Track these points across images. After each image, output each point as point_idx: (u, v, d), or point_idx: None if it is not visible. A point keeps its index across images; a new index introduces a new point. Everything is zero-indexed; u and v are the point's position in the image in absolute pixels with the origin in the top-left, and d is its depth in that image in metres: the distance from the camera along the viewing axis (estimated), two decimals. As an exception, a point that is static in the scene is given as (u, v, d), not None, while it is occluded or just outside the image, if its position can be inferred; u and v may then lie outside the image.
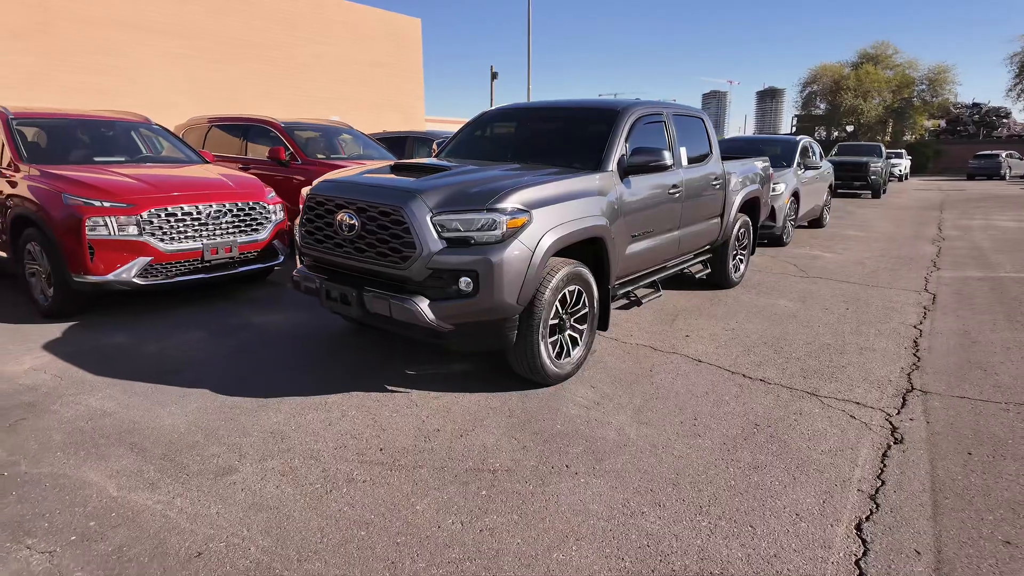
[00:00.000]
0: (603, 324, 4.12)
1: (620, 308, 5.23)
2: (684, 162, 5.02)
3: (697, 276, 5.76)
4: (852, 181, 19.01)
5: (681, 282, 6.41)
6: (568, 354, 3.79)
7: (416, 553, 2.22)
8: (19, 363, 3.95)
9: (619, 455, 2.95)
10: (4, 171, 5.21)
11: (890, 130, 51.22)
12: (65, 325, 4.75)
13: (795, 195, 9.34)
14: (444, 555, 2.22)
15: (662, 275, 5.02)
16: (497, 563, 2.19)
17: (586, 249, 3.91)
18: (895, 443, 3.13)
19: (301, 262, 3.95)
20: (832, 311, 5.62)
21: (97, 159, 5.82)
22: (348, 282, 3.51)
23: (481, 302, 3.23)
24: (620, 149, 4.20)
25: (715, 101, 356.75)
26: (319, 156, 8.21)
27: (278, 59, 17.88)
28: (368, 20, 20.65)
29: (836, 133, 50.85)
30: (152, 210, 4.77)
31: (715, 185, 5.50)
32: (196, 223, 5.02)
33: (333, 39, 19.40)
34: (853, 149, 22.05)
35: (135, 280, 4.75)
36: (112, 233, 4.64)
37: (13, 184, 5.08)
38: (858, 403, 3.62)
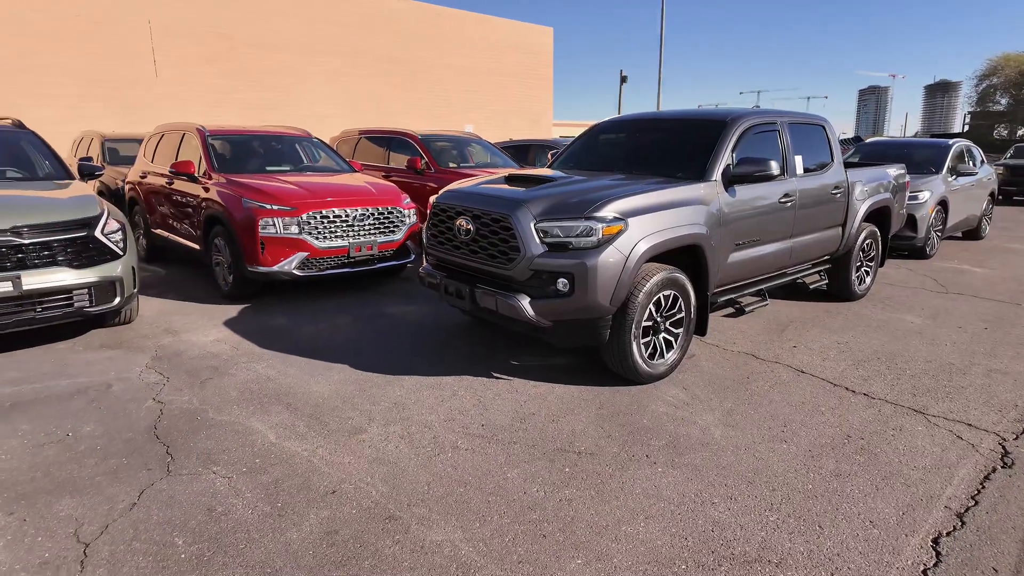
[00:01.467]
0: (701, 329, 4.26)
1: (728, 315, 5.28)
2: (799, 170, 4.97)
3: (811, 287, 5.61)
4: (1031, 188, 16.74)
5: (799, 292, 6.26)
6: (662, 355, 4.00)
7: (503, 510, 2.61)
8: (207, 335, 4.90)
9: (700, 451, 3.14)
10: (201, 179, 6.37)
11: (1096, 127, 43.92)
12: (240, 307, 5.75)
13: (942, 204, 8.58)
14: (527, 515, 2.58)
15: (772, 284, 5.01)
16: (571, 527, 2.51)
17: (685, 256, 4.09)
18: (1003, 467, 3.01)
19: (427, 261, 4.52)
20: (966, 330, 5.24)
21: (268, 168, 6.90)
22: (463, 279, 4.00)
23: (576, 301, 3.55)
24: (725, 159, 4.31)
25: (874, 98, 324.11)
26: (451, 165, 8.97)
27: (420, 73, 19.33)
28: (503, 32, 21.63)
29: (1021, 131, 44.44)
30: (310, 212, 5.64)
31: (835, 194, 5.36)
32: (344, 224, 5.83)
33: (470, 52, 20.58)
34: (1036, 150, 19.29)
35: (295, 271, 5.63)
36: (279, 231, 5.56)
37: (207, 190, 6.21)
38: (970, 424, 3.47)
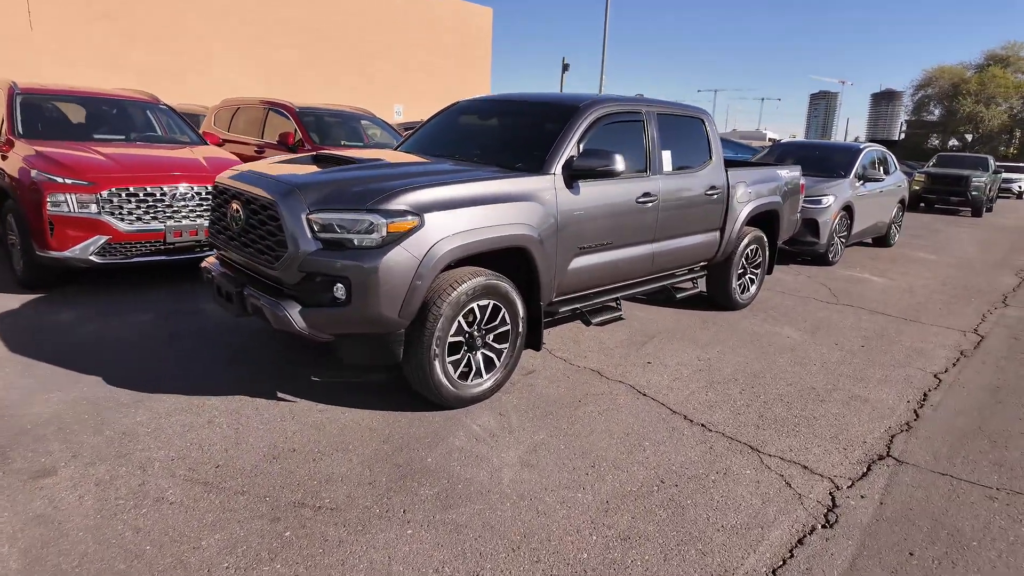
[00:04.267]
0: (535, 344, 3.69)
1: (600, 323, 4.62)
2: (666, 168, 4.45)
3: (679, 296, 5.15)
4: (949, 196, 17.11)
5: (684, 300, 5.76)
6: (479, 375, 3.40)
7: (156, 601, 1.95)
8: (-45, 333, 4.03)
9: (473, 503, 2.55)
10: (3, 147, 5.39)
11: (1016, 141, 46.16)
12: (31, 297, 4.85)
13: (847, 209, 8.33)
14: (189, 607, 1.93)
15: (631, 292, 4.49)
16: (240, 627, 1.87)
17: (512, 260, 3.50)
18: (822, 526, 2.54)
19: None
20: (842, 347, 4.87)
21: (97, 136, 5.96)
22: (235, 280, 3.29)
23: (355, 312, 2.91)
24: (569, 150, 3.73)
25: (824, 103, 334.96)
26: (343, 143, 8.16)
27: (346, 48, 18.22)
28: (438, 10, 20.68)
29: (952, 142, 46.39)
30: (112, 189, 4.78)
31: (711, 195, 4.87)
32: (160, 204, 5.00)
33: (402, 29, 19.57)
34: (955, 160, 19.80)
35: (92, 258, 4.78)
36: (72, 210, 4.68)
37: (4, 158, 5.25)
38: (805, 467, 3.01)
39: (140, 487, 2.52)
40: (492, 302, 3.34)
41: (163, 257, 5.07)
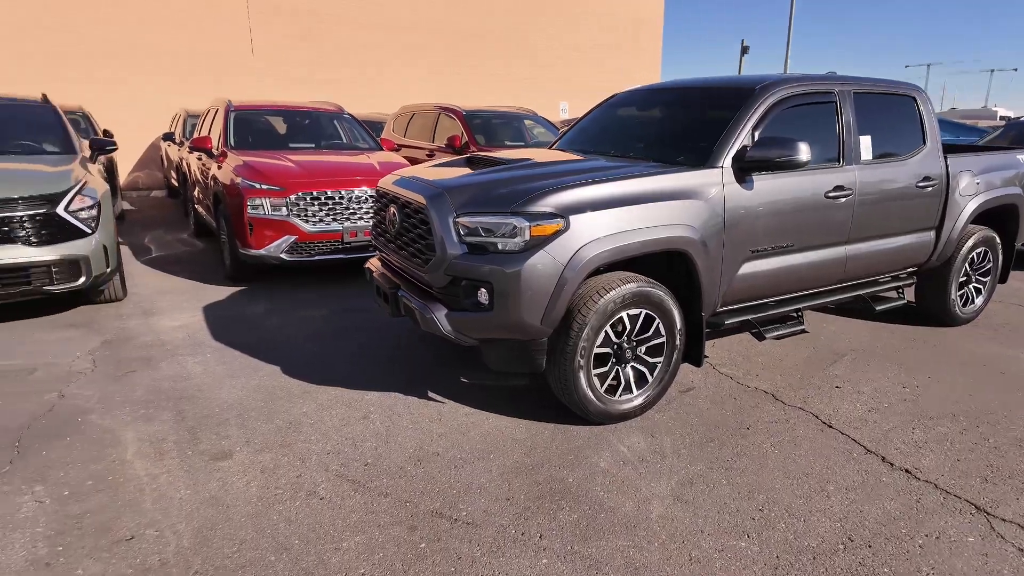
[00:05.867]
0: (695, 359, 3.32)
1: (776, 338, 4.05)
2: (865, 156, 3.76)
3: (879, 309, 4.33)
4: None
5: (887, 313, 4.85)
6: (629, 390, 3.13)
7: (296, 600, 2.00)
8: (174, 320, 4.69)
9: (616, 537, 2.31)
10: (217, 156, 6.22)
11: None
12: (233, 290, 5.52)
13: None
14: (323, 611, 1.95)
15: (817, 303, 3.87)
16: (367, 641, 1.84)
17: (671, 265, 3.18)
18: (1088, 634, 1.90)
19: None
20: (1113, 382, 3.76)
21: (292, 145, 6.65)
22: (391, 282, 3.37)
23: (497, 318, 2.80)
24: (741, 139, 3.28)
25: None
26: (506, 143, 8.29)
27: (510, 47, 18.60)
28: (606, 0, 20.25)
29: None
30: (299, 193, 5.25)
31: (924, 188, 4.04)
32: (339, 207, 5.39)
33: (566, 23, 19.49)
34: None
35: (283, 256, 5.30)
36: (266, 212, 5.23)
37: (219, 167, 6.04)
38: (1058, 544, 2.30)
39: (297, 479, 2.65)
40: (644, 311, 3.04)
41: (340, 256, 5.47)
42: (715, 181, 3.17)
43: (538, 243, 2.73)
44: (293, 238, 5.27)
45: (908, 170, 3.97)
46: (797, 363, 3.99)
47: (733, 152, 3.25)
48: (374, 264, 3.79)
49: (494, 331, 2.89)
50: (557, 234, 2.75)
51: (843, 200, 3.63)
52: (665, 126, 3.88)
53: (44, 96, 5.85)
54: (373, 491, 2.57)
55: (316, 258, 5.42)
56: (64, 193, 4.36)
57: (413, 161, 7.71)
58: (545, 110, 14.64)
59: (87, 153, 5.48)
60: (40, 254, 4.21)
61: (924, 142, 4.10)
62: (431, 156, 8.24)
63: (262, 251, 5.27)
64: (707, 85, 3.79)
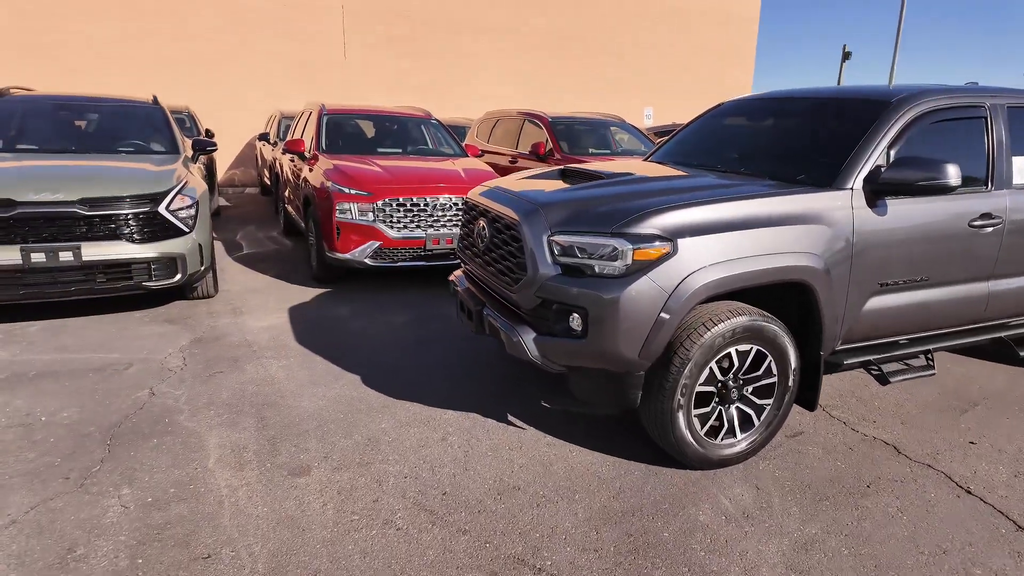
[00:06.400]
0: (808, 402, 2.97)
1: (902, 380, 3.63)
2: (1017, 180, 3.27)
3: (1023, 354, 3.76)
4: None
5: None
6: (732, 434, 2.83)
7: (369, 648, 1.86)
8: (263, 320, 4.77)
9: (721, 609, 2.04)
10: (309, 159, 6.34)
11: None
12: (319, 291, 5.59)
13: None
14: (398, 664, 1.80)
15: (949, 344, 3.40)
16: None
17: (786, 296, 2.85)
18: None
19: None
20: None
21: (381, 150, 6.69)
22: (477, 297, 3.22)
23: (590, 347, 2.58)
24: (874, 158, 2.91)
25: None
26: (591, 151, 8.06)
27: (597, 50, 18.27)
28: (700, 2, 19.54)
29: None
30: (386, 199, 5.23)
31: (1089, 216, 3.48)
32: (423, 214, 5.34)
33: (655, 25, 18.93)
34: None
35: (367, 261, 5.30)
36: (353, 217, 5.25)
37: (311, 169, 6.15)
38: None
39: (374, 504, 2.54)
40: (755, 347, 2.74)
41: (422, 263, 5.42)
42: (843, 205, 2.82)
43: (641, 268, 2.50)
44: (378, 243, 5.26)
45: (1070, 196, 3.43)
46: (921, 410, 3.54)
47: (865, 172, 2.88)
48: (458, 276, 3.67)
49: (586, 360, 2.67)
50: (663, 259, 2.50)
51: (990, 230, 3.16)
52: (782, 140, 3.53)
53: (154, 97, 6.14)
54: (451, 526, 2.42)
55: (399, 264, 5.39)
56: (166, 192, 4.52)
57: (495, 167, 7.64)
58: (629, 114, 14.23)
59: (189, 153, 5.69)
60: (142, 251, 4.37)
61: (1089, 164, 3.54)
62: (514, 163, 8.12)
63: (348, 255, 5.29)
64: (833, 96, 3.40)
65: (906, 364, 3.35)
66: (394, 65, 15.76)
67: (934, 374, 3.30)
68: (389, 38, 15.76)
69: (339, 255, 5.34)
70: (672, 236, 2.52)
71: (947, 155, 2.85)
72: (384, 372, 3.83)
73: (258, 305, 5.13)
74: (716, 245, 2.56)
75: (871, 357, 3.16)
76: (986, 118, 3.23)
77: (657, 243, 2.50)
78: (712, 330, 2.59)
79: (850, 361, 3.11)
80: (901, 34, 19.68)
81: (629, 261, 2.50)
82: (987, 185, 3.19)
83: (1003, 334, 3.60)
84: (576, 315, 2.60)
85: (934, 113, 3.08)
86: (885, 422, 3.38)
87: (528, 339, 2.74)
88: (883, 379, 3.18)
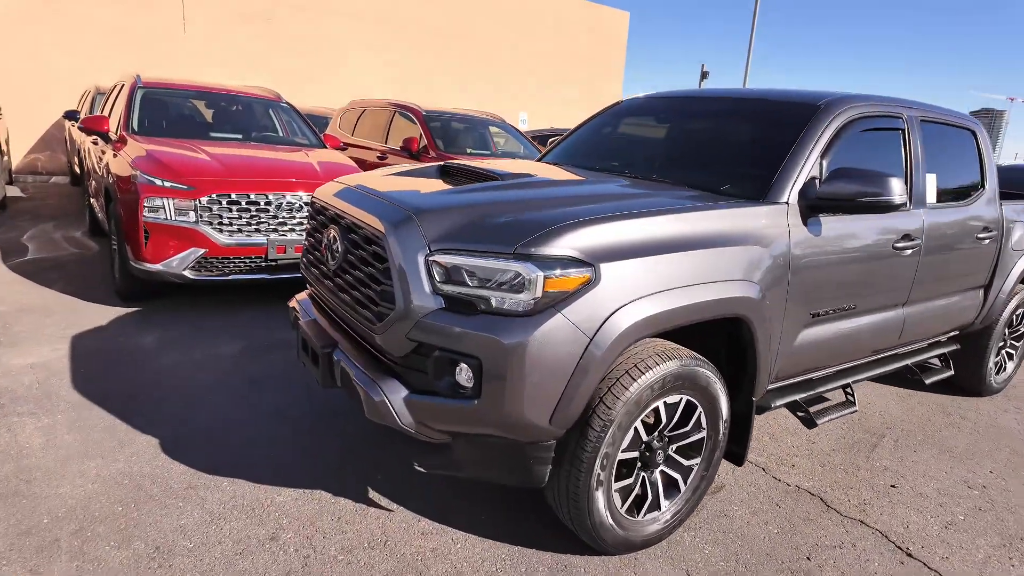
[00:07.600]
0: (736, 457, 2.48)
1: (829, 421, 3.32)
2: (930, 198, 3.06)
3: (929, 382, 3.64)
4: None
5: (898, 376, 4.25)
6: (657, 505, 2.25)
7: None
8: (28, 354, 3.49)
9: None
10: (114, 141, 5.00)
11: None
12: (123, 311, 4.33)
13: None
14: None
15: (864, 376, 3.11)
16: None
17: (713, 333, 2.33)
18: None
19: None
20: None
21: (213, 135, 5.48)
22: (325, 335, 2.37)
23: (484, 410, 1.86)
24: (809, 168, 2.49)
25: (986, 122, 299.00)
26: (468, 151, 7.37)
27: (476, 50, 17.74)
28: (573, 12, 19.73)
29: None
30: (212, 195, 4.14)
31: (983, 239, 3.39)
32: (264, 214, 4.31)
33: (534, 32, 18.81)
34: None
35: (186, 273, 4.16)
36: (168, 217, 4.09)
37: (115, 155, 4.83)
38: None
39: (147, 673, 1.61)
40: (686, 398, 2.18)
41: (264, 275, 4.38)
42: (778, 222, 2.35)
43: (554, 302, 1.82)
44: (202, 251, 4.14)
45: (969, 217, 3.31)
46: (833, 446, 3.23)
47: (800, 185, 2.44)
48: (300, 301, 2.77)
49: (479, 427, 1.94)
50: (582, 289, 1.84)
51: (909, 252, 2.89)
52: (698, 145, 3.05)
53: None
54: None
55: (232, 277, 4.30)
56: None
57: (361, 164, 6.69)
58: (503, 118, 13.80)
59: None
60: None
61: (983, 185, 3.46)
62: (383, 159, 7.22)
63: (160, 266, 4.11)
64: (755, 97, 2.98)
65: (826, 400, 3.01)
66: (246, 46, 14.01)
67: (856, 411, 2.98)
68: (241, 14, 13.99)
69: (148, 265, 4.14)
70: (593, 260, 1.86)
71: (873, 168, 2.49)
72: (196, 432, 2.83)
73: (29, 332, 3.82)
74: (645, 271, 1.95)
75: (797, 397, 2.75)
76: (904, 130, 2.97)
77: (573, 269, 1.84)
78: (638, 380, 1.98)
79: (778, 403, 2.67)
80: (751, 62, 21.25)
81: (538, 293, 1.81)
82: (909, 203, 2.92)
83: (909, 361, 3.40)
84: (465, 366, 1.86)
85: (861, 121, 2.73)
86: (803, 464, 3.01)
87: (397, 399, 1.96)
88: (810, 422, 2.78)
